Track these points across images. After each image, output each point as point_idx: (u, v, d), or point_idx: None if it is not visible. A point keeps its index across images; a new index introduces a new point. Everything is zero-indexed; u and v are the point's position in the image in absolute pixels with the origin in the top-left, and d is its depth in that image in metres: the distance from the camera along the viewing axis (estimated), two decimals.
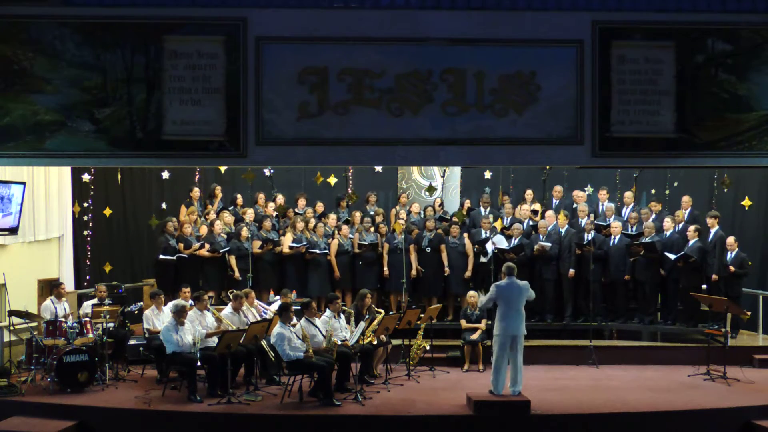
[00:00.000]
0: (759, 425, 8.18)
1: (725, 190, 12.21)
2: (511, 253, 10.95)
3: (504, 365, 8.48)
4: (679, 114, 8.60)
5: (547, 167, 11.94)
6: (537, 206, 12.28)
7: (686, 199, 11.85)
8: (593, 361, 10.47)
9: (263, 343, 9.04)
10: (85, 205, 12.80)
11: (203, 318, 9.34)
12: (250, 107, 8.42)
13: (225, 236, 11.42)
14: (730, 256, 10.95)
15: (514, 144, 8.62)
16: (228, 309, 9.63)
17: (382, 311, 9.83)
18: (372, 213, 12.21)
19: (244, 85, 8.41)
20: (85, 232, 12.83)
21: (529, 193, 12.42)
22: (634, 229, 11.56)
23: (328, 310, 9.31)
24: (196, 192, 12.40)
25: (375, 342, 9.40)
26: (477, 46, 8.53)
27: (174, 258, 11.18)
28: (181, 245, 11.23)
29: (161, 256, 11.16)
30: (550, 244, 11.29)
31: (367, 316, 9.60)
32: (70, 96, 8.33)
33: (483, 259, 11.38)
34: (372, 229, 11.74)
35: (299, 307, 9.36)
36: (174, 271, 11.21)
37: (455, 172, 13.52)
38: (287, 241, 11.30)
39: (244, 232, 11.27)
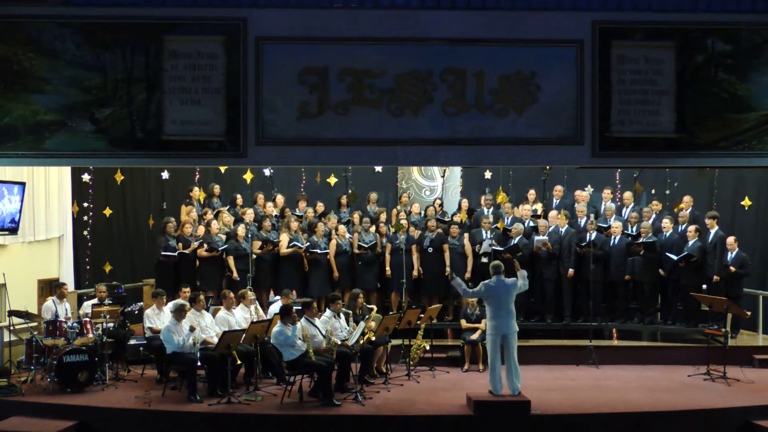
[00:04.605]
0: (759, 425, 8.18)
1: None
2: (507, 253, 10.92)
3: (498, 364, 8.47)
4: (679, 114, 8.60)
5: (547, 167, 11.93)
6: (538, 207, 12.27)
7: (687, 199, 11.83)
8: (593, 361, 10.46)
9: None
10: (85, 205, 12.80)
11: (201, 318, 9.34)
12: (250, 107, 8.42)
13: (223, 236, 11.41)
14: (730, 256, 10.93)
15: (514, 144, 8.63)
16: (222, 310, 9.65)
17: (374, 307, 9.81)
18: (373, 213, 12.20)
19: (244, 85, 8.41)
20: (85, 232, 12.83)
21: (531, 193, 12.41)
22: (634, 229, 11.55)
23: (328, 310, 9.31)
24: (195, 192, 12.39)
25: (373, 338, 9.38)
26: (477, 46, 8.53)
27: (175, 256, 11.16)
28: (180, 245, 11.22)
29: (162, 255, 11.14)
30: (546, 237, 11.27)
31: (367, 316, 9.59)
32: (70, 96, 8.33)
33: (483, 260, 11.37)
34: (372, 229, 11.72)
35: (299, 307, 9.36)
36: (174, 271, 11.20)
37: (455, 172, 13.52)
38: (284, 242, 11.29)
39: (241, 231, 11.23)
